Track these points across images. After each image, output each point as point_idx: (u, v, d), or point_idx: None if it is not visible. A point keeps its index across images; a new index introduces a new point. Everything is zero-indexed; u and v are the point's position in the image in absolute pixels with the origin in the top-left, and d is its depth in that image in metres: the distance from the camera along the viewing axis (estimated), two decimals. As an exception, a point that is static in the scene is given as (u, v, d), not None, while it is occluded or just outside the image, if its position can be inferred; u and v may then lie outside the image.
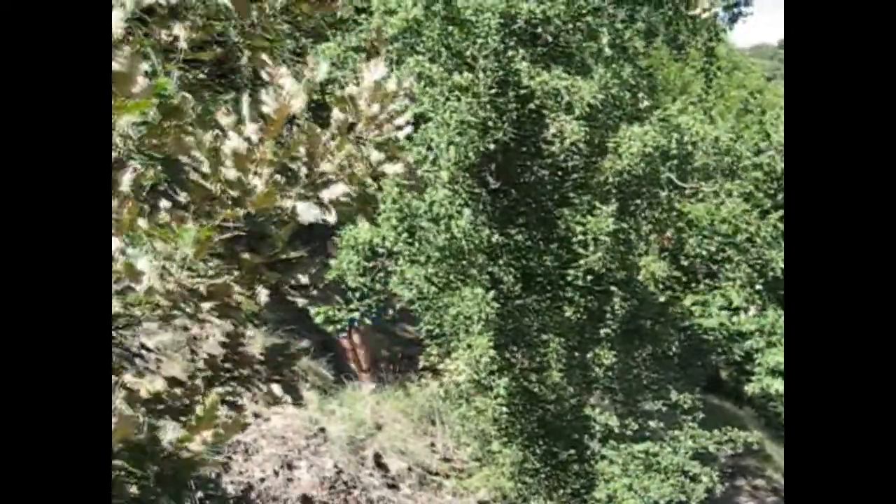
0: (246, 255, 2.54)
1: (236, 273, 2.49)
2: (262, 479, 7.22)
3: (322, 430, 8.12)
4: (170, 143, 2.38)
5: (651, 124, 8.54)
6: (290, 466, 7.56)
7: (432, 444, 9.39)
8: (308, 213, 2.44)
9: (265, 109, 2.42)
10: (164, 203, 2.79)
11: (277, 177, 2.43)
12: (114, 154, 2.70)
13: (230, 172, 2.38)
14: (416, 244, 8.38)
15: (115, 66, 2.39)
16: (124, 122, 2.48)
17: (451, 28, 8.05)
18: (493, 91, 7.98)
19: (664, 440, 9.45)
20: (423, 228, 8.19)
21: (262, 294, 2.58)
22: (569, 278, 8.87)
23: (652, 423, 9.61)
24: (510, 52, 8.23)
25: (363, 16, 9.15)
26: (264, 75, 2.51)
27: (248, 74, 3.18)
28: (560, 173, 9.18)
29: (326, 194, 2.54)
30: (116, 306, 2.68)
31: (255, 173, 2.39)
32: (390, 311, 10.07)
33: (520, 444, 9.30)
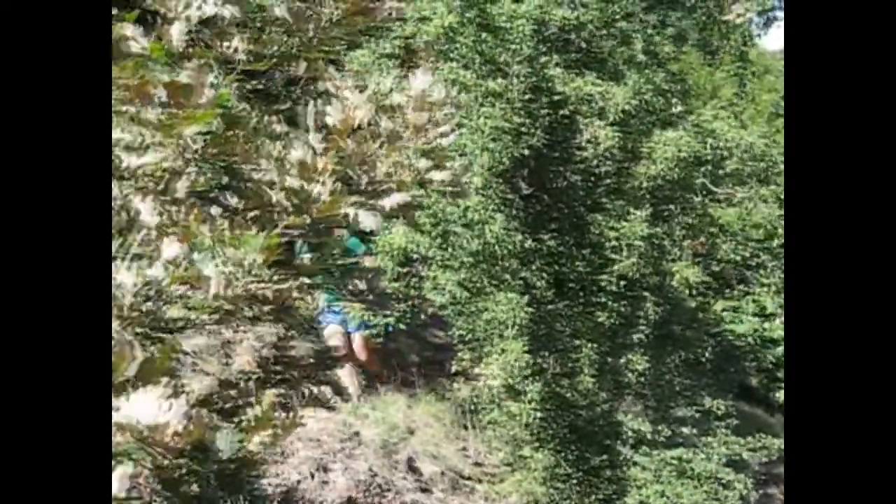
0: (305, 261, 2.61)
1: (300, 279, 2.56)
2: (298, 482, 7.30)
3: (356, 433, 8.18)
4: (238, 152, 2.45)
5: (685, 130, 8.54)
6: (325, 469, 7.63)
7: (464, 449, 9.43)
8: (368, 220, 2.51)
9: (328, 120, 2.49)
10: (215, 209, 2.87)
11: (338, 185, 2.50)
12: (176, 164, 2.78)
13: (294, 181, 2.45)
14: (449, 249, 8.43)
15: (183, 77, 2.47)
16: (189, 132, 2.56)
17: (484, 35, 8.12)
18: (526, 97, 8.03)
19: (697, 447, 9.40)
20: (456, 234, 8.24)
21: (321, 299, 2.64)
22: (602, 283, 8.88)
23: (685, 430, 9.57)
24: (543, 59, 8.28)
25: (396, 22, 9.24)
26: (329, 87, 2.58)
27: (293, 82, 3.25)
28: (592, 179, 9.20)
29: (387, 202, 2.61)
30: (177, 310, 2.76)
31: (319, 182, 2.46)
32: (422, 316, 10.10)
33: (551, 449, 9.30)
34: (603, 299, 9.06)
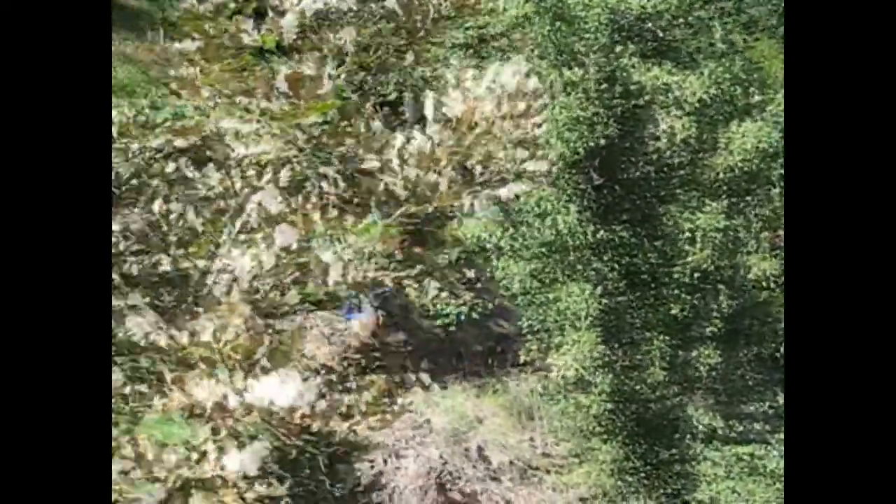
0: (418, 250, 2.65)
1: (418, 268, 2.60)
2: (372, 467, 7.42)
3: (427, 421, 8.27)
4: (351, 142, 2.50)
5: (763, 120, 8.36)
6: (397, 455, 7.73)
7: (531, 439, 9.44)
8: (487, 211, 2.53)
9: (446, 111, 2.52)
10: (328, 198, 2.92)
11: (453, 174, 2.53)
12: (290, 153, 2.85)
13: (411, 171, 2.49)
14: (520, 240, 8.44)
15: (305, 69, 2.53)
16: (308, 122, 2.62)
17: (558, 24, 8.07)
18: (601, 87, 7.97)
19: (769, 443, 9.23)
20: (528, 224, 8.24)
21: (432, 287, 2.68)
22: (674, 275, 8.77)
23: (756, 426, 9.40)
24: (618, 48, 8.19)
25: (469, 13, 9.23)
26: (450, 77, 2.61)
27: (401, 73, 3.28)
28: (665, 170, 9.08)
29: (504, 192, 2.63)
30: (292, 296, 2.83)
31: (436, 172, 2.50)
32: (489, 306, 10.12)
33: (619, 441, 9.25)
34: (675, 291, 8.94)
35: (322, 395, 2.33)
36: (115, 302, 3.32)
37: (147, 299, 3.29)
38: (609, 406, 8.88)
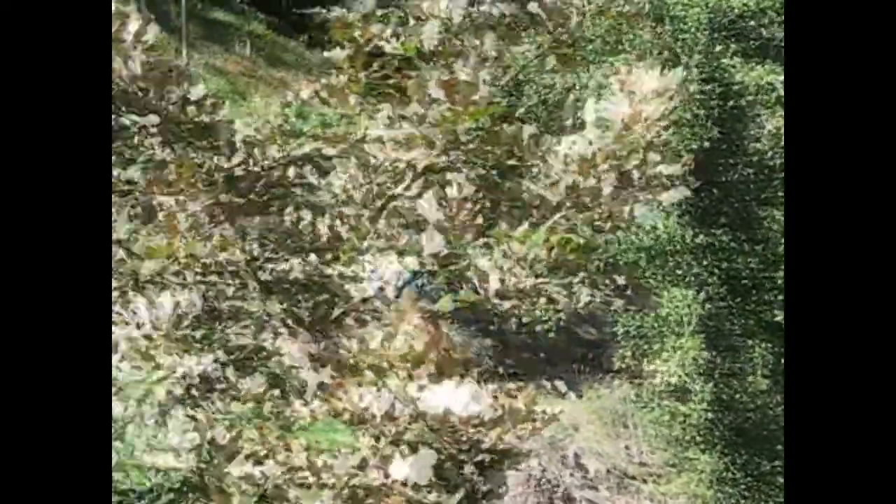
0: (570, 257, 2.61)
1: (580, 275, 2.56)
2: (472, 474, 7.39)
3: (525, 427, 8.19)
4: (515, 147, 2.48)
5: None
6: (495, 462, 7.69)
7: (627, 448, 9.27)
8: (646, 216, 2.48)
9: (606, 114, 2.48)
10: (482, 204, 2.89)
11: (613, 179, 2.48)
12: (440, 159, 2.85)
13: (568, 177, 2.45)
14: (617, 244, 8.32)
15: (462, 75, 2.52)
16: (462, 128, 2.61)
17: (656, 24, 7.94)
18: (704, 88, 7.80)
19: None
20: (625, 229, 8.12)
21: (583, 294, 2.63)
22: (777, 280, 8.51)
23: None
24: (718, 47, 8.01)
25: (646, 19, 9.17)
26: (614, 81, 2.57)
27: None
28: (766, 171, 8.84)
29: (665, 197, 2.57)
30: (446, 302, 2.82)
31: (596, 177, 2.45)
32: (580, 312, 9.99)
33: (719, 451, 9.01)
34: (778, 297, 8.68)
35: (493, 403, 2.31)
36: (252, 309, 3.38)
37: (284, 305, 3.34)
38: (709, 415, 8.67)
